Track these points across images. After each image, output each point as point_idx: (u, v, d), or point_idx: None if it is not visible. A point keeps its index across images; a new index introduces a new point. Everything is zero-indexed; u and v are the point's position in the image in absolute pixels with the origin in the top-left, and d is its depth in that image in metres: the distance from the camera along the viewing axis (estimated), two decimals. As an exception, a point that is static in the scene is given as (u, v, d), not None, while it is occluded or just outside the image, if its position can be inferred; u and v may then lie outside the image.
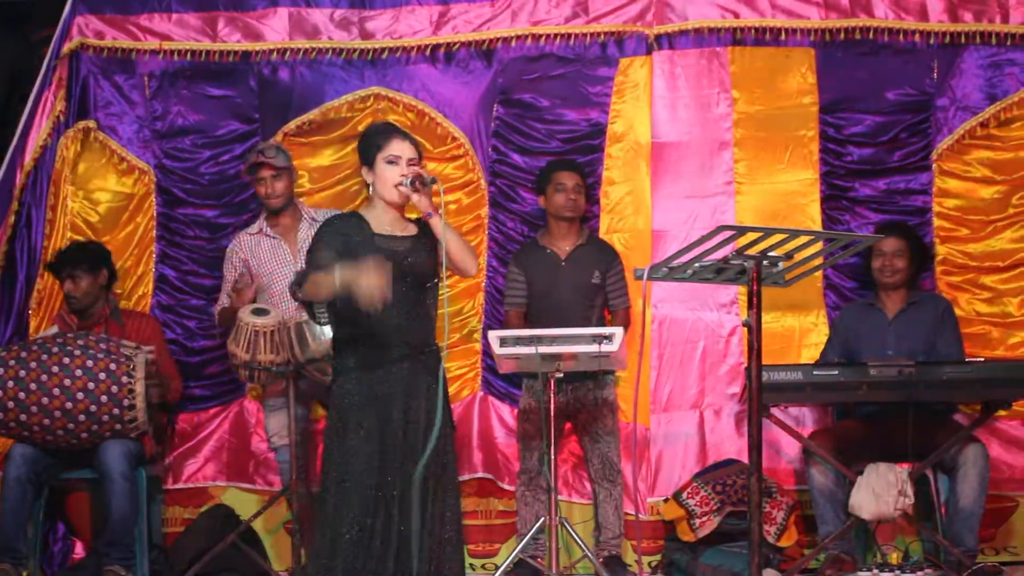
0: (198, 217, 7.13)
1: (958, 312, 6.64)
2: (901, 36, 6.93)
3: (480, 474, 6.89)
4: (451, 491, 4.91)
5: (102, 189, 7.15)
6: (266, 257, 6.51)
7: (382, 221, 4.92)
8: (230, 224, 7.08)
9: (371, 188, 4.96)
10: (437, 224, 4.83)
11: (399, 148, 4.90)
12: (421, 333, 4.91)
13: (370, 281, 4.56)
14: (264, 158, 6.47)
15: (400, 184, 4.84)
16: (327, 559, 4.75)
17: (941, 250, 6.86)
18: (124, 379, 6.10)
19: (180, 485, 6.98)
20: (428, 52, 7.10)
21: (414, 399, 4.80)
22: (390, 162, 4.89)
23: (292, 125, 7.08)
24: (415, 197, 4.82)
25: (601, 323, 6.52)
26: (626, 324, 6.46)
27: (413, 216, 5.03)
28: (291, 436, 6.15)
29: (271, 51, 7.13)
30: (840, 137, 6.93)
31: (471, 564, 6.80)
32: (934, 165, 6.89)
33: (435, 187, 4.81)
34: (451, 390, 6.78)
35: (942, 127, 6.90)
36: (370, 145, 4.97)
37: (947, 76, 6.91)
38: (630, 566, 6.46)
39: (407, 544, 4.73)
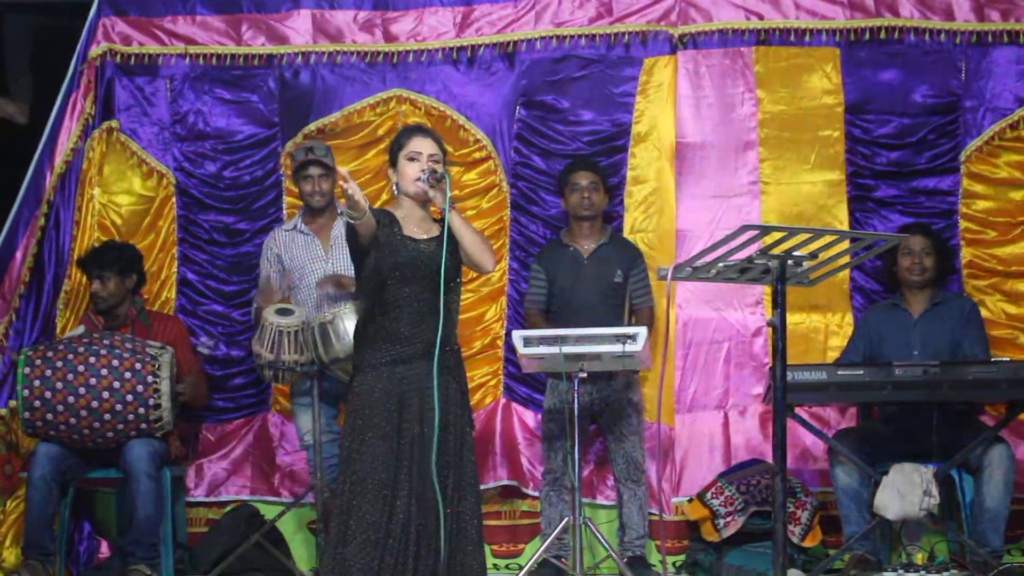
0: (217, 223, 7.15)
1: (984, 315, 6.61)
2: (927, 36, 6.90)
3: (505, 481, 6.89)
4: (469, 491, 4.91)
5: (126, 192, 7.18)
6: (299, 252, 6.52)
7: (409, 222, 4.95)
8: (248, 230, 7.11)
9: (396, 188, 4.99)
10: (453, 219, 4.87)
11: (420, 144, 4.95)
12: (444, 332, 4.88)
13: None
14: (314, 156, 6.49)
15: (418, 179, 4.89)
16: (341, 552, 4.75)
17: (968, 253, 6.83)
18: (150, 378, 6.13)
19: (204, 498, 6.98)
20: (451, 54, 7.11)
21: (431, 398, 4.80)
22: (411, 159, 4.93)
23: (312, 128, 7.09)
24: (431, 193, 4.87)
25: (624, 322, 6.51)
26: (650, 323, 6.45)
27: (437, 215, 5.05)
28: (316, 435, 6.17)
29: (295, 54, 7.15)
30: (866, 138, 6.91)
31: (495, 564, 6.81)
32: (962, 167, 6.86)
33: (442, 183, 4.84)
34: (475, 398, 6.83)
35: (971, 129, 6.87)
36: (395, 145, 5.03)
37: (975, 77, 6.88)
38: (654, 566, 6.45)
39: (427, 543, 4.75)
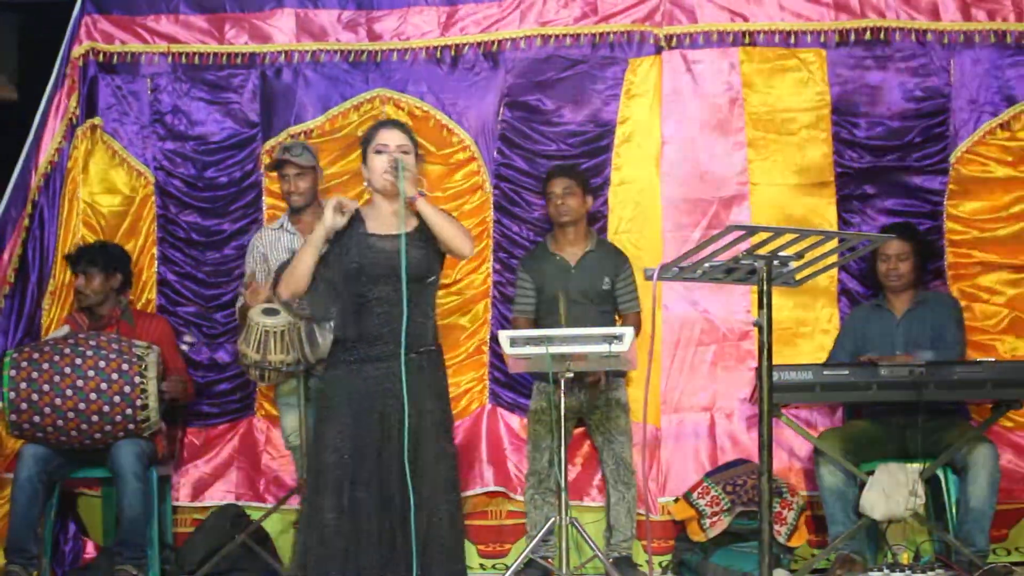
0: (195, 223, 7.11)
1: (968, 316, 6.64)
2: (913, 36, 6.91)
3: (492, 487, 6.86)
4: (442, 491, 4.83)
5: (109, 190, 7.15)
6: (284, 253, 6.51)
7: (380, 218, 4.91)
8: (227, 231, 7.09)
9: (367, 184, 4.99)
10: (422, 207, 4.82)
11: (387, 136, 4.91)
12: (415, 331, 4.84)
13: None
14: (289, 156, 6.48)
15: (385, 171, 4.84)
16: (311, 545, 4.76)
17: (954, 253, 6.83)
18: (137, 379, 6.11)
19: (189, 503, 6.94)
20: (435, 54, 7.09)
21: (397, 399, 4.73)
22: (378, 151, 4.90)
23: (296, 129, 7.07)
24: (399, 184, 4.81)
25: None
26: (636, 328, 6.43)
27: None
28: (302, 436, 6.16)
29: (278, 53, 7.13)
30: (854, 140, 6.90)
31: (481, 564, 6.80)
32: (952, 169, 6.86)
33: (408, 171, 4.80)
34: (461, 403, 6.85)
35: (959, 129, 6.86)
36: (364, 141, 5.02)
37: (964, 77, 6.88)
38: (640, 566, 6.46)
39: (399, 542, 4.71)
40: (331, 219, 4.83)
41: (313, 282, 4.88)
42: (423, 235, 4.89)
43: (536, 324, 6.56)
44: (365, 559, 4.73)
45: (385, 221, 4.90)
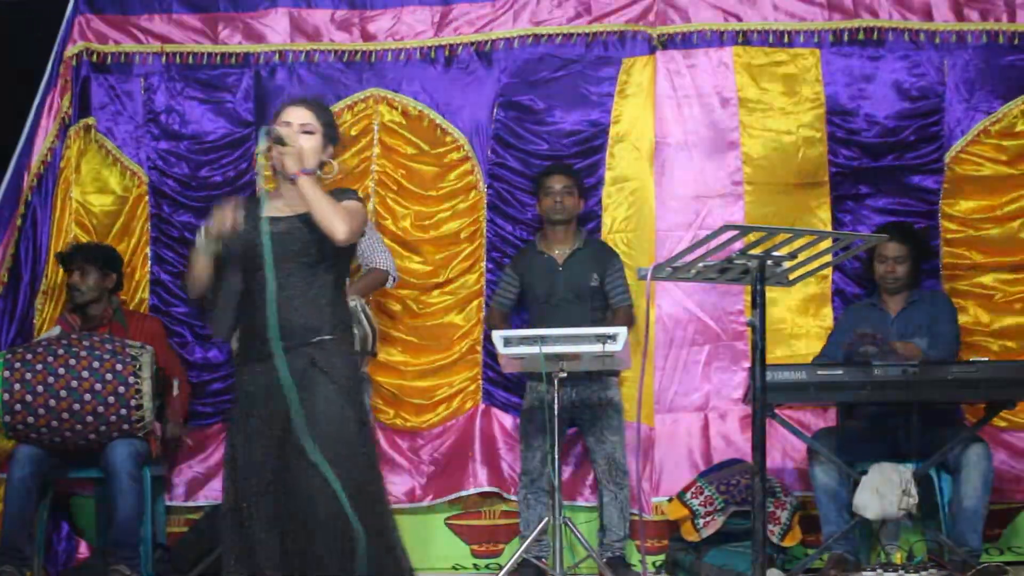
0: (189, 223, 7.05)
1: (964, 317, 6.66)
2: (906, 36, 6.91)
3: (485, 488, 6.86)
4: (367, 496, 4.30)
5: (101, 190, 7.15)
6: None
7: (279, 201, 4.46)
8: None
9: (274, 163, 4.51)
10: (302, 185, 4.34)
11: (291, 114, 4.49)
12: (304, 322, 4.36)
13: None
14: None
15: (271, 149, 4.42)
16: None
17: (949, 252, 6.83)
18: (131, 379, 6.11)
19: (183, 502, 6.92)
20: (428, 53, 7.08)
21: (280, 396, 4.23)
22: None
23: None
24: (286, 161, 4.39)
25: (603, 324, 6.50)
26: (629, 322, 6.43)
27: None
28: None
29: (272, 53, 7.12)
30: (849, 139, 6.89)
31: (475, 564, 6.80)
32: (947, 168, 6.86)
33: (285, 145, 4.39)
34: (454, 403, 6.89)
35: (953, 129, 6.86)
36: (272, 116, 4.59)
37: (957, 77, 6.88)
38: (634, 566, 6.46)
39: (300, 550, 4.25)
40: (202, 243, 4.42)
41: (215, 298, 4.46)
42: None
43: (530, 323, 6.56)
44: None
45: (285, 203, 4.46)
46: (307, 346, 4.33)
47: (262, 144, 4.39)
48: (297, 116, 4.48)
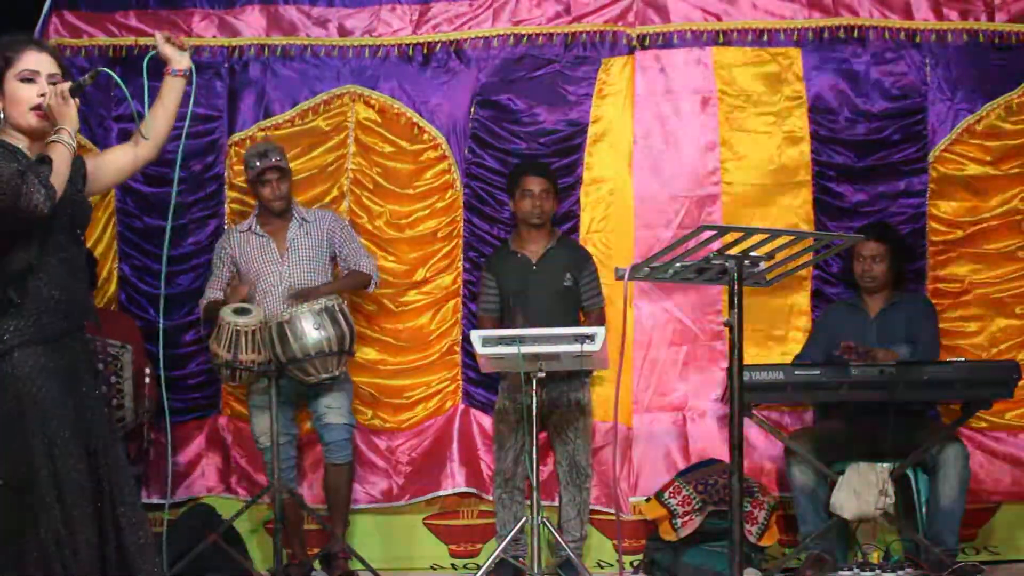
0: (153, 225, 6.99)
1: (947, 317, 6.67)
2: (886, 34, 6.91)
3: (463, 488, 6.85)
4: (125, 491, 4.05)
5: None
6: (254, 255, 6.46)
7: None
8: (185, 224, 6.97)
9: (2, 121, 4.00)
10: (51, 149, 3.88)
11: (35, 61, 3.97)
12: (85, 298, 4.10)
13: None
14: (277, 162, 6.42)
15: (38, 105, 3.94)
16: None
17: (934, 252, 6.83)
18: (112, 379, 6.08)
19: (159, 500, 6.82)
20: (406, 51, 7.05)
21: (70, 384, 3.93)
22: (25, 79, 3.95)
23: (266, 123, 7.00)
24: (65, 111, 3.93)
25: (576, 325, 6.48)
26: (600, 324, 6.42)
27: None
28: (273, 436, 6.12)
29: (247, 46, 7.06)
30: (831, 138, 6.88)
31: (452, 564, 6.79)
32: (930, 167, 6.86)
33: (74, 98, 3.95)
34: (432, 403, 6.86)
35: (937, 128, 6.86)
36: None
37: (940, 75, 6.88)
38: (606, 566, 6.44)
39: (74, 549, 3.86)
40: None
41: None
42: (78, 176, 4.06)
43: (503, 322, 6.55)
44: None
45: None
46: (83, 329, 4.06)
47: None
48: (44, 65, 4.01)
